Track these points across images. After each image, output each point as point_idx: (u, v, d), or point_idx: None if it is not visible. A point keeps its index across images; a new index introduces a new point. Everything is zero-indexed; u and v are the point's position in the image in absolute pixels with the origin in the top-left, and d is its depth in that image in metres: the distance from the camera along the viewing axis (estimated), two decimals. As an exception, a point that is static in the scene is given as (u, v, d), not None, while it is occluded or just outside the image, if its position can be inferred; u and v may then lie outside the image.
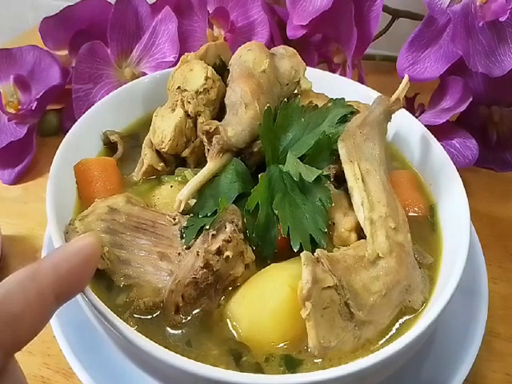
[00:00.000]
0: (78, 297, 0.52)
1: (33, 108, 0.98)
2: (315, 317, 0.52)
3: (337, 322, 0.54)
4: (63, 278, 0.43)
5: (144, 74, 1.01)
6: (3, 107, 0.99)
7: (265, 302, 0.55)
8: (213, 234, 0.56)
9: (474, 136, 0.89)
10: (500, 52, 0.81)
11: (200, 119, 0.68)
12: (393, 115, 0.71)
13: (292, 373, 0.53)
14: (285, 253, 0.60)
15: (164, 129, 0.68)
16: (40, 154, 1.01)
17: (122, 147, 0.74)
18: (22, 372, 0.44)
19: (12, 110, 0.99)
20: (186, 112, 0.68)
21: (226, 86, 0.71)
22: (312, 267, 0.53)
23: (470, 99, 0.87)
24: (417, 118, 0.80)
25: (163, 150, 0.69)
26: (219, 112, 0.71)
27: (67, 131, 0.70)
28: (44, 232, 0.75)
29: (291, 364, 0.53)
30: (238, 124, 0.65)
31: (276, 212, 0.60)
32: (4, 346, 0.39)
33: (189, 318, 0.56)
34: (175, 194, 0.63)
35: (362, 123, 0.67)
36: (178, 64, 0.73)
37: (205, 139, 0.65)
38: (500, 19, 0.77)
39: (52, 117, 1.07)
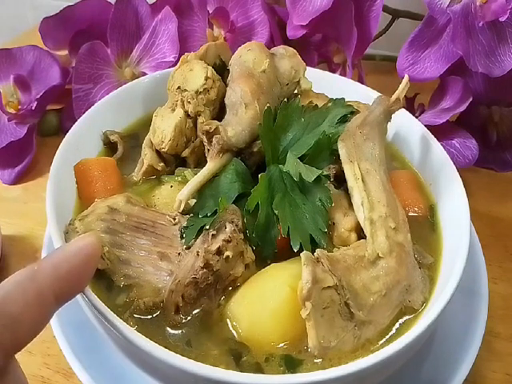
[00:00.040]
0: (78, 297, 0.52)
1: (33, 108, 0.98)
2: (315, 317, 0.52)
3: (337, 322, 0.54)
4: (63, 279, 0.43)
5: (144, 74, 1.01)
6: (3, 107, 0.99)
7: (265, 301, 0.55)
8: (213, 234, 0.56)
9: (474, 136, 0.89)
10: (500, 52, 0.81)
11: (200, 119, 0.68)
12: (393, 115, 0.71)
13: (292, 373, 0.53)
14: (285, 253, 0.59)
15: (164, 129, 0.68)
16: (40, 154, 1.01)
17: (122, 147, 0.74)
18: (23, 372, 0.44)
19: (12, 110, 0.99)
20: (186, 112, 0.68)
21: (226, 85, 0.71)
22: (312, 267, 0.53)
23: (470, 99, 0.87)
24: (417, 117, 0.80)
25: (163, 149, 0.69)
26: (219, 112, 0.71)
27: (67, 131, 0.70)
28: (44, 232, 0.75)
29: (291, 364, 0.53)
30: (238, 124, 0.65)
31: (276, 212, 0.60)
32: (4, 347, 0.39)
33: (189, 318, 0.56)
34: (175, 194, 0.63)
35: (362, 123, 0.67)
36: (178, 64, 0.73)
37: (205, 139, 0.65)
38: (500, 19, 0.77)
39: (52, 117, 1.07)
